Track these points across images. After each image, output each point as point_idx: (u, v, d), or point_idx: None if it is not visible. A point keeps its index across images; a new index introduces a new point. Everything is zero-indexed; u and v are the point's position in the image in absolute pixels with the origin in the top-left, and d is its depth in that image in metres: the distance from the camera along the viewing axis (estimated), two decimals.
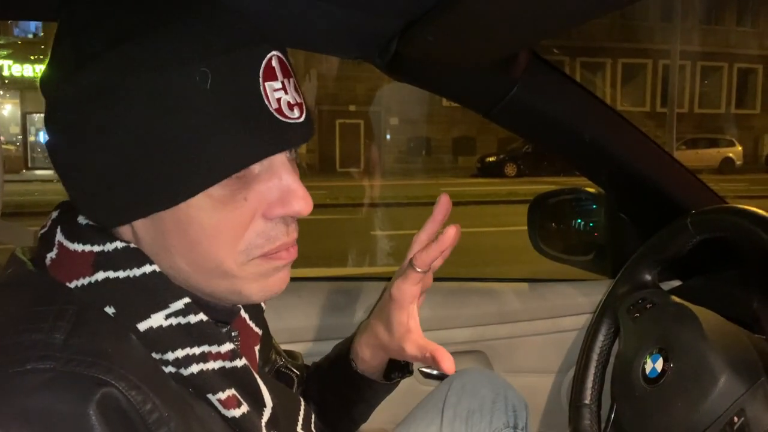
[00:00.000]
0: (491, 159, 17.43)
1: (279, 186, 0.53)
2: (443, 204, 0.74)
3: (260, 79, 0.50)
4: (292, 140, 0.53)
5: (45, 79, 0.53)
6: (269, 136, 0.51)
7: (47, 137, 0.53)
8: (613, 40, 20.80)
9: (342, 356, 0.83)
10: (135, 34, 0.48)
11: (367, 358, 0.80)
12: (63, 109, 0.51)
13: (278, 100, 0.51)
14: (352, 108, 19.28)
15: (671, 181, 1.10)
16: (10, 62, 17.02)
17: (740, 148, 19.01)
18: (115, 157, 0.49)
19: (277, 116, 0.51)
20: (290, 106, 0.52)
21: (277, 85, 0.52)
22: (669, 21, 16.92)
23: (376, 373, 0.82)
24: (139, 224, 0.53)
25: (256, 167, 0.52)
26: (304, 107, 0.54)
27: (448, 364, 0.69)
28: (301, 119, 0.53)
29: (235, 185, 0.51)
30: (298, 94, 0.54)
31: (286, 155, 0.54)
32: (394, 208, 10.44)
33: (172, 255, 0.53)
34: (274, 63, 0.52)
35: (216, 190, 0.50)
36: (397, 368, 0.83)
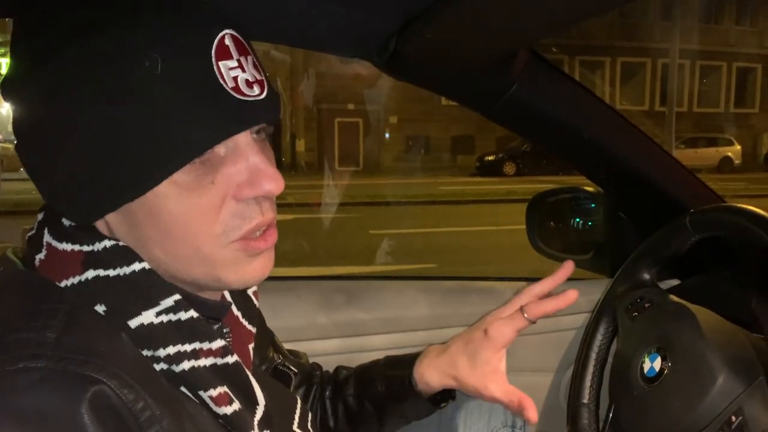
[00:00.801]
0: (490, 158, 17.42)
1: (247, 167, 0.52)
2: (567, 268, 0.80)
3: (213, 59, 0.50)
4: (253, 118, 0.52)
5: (6, 81, 0.53)
6: (227, 115, 0.50)
7: (15, 138, 0.53)
8: (612, 39, 20.80)
9: (399, 373, 0.83)
10: (85, 31, 0.48)
11: (432, 382, 0.80)
12: (24, 110, 0.51)
13: (235, 78, 0.50)
14: (350, 106, 19.27)
15: (670, 181, 1.10)
16: (8, 61, 16.97)
17: (739, 147, 19.00)
18: (77, 153, 0.49)
19: (235, 95, 0.50)
20: (249, 84, 0.51)
21: (233, 63, 0.51)
22: (668, 20, 16.94)
23: (427, 395, 0.82)
24: (112, 219, 0.53)
25: (221, 150, 0.52)
26: (265, 84, 0.53)
27: (533, 414, 0.73)
28: (262, 96, 0.52)
29: (200, 170, 0.51)
30: (258, 71, 0.53)
31: (251, 135, 0.53)
32: (393, 207, 10.44)
33: (149, 246, 0.53)
34: (227, 41, 0.51)
35: (181, 177, 0.50)
36: (445, 394, 0.83)
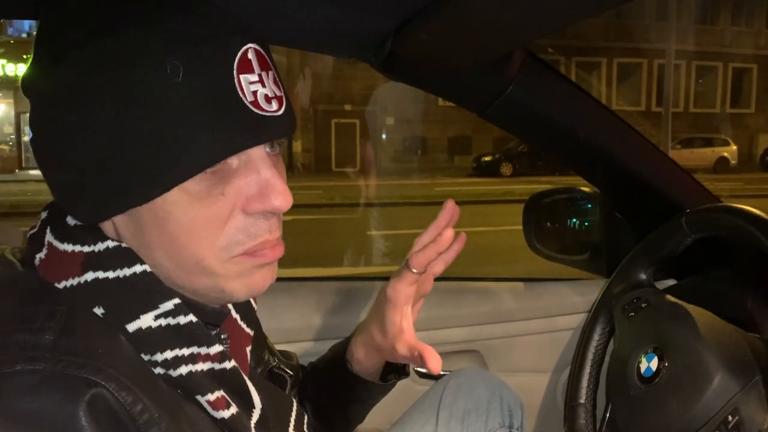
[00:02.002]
0: (487, 158, 17.43)
1: (257, 181, 0.52)
2: (448, 209, 0.74)
3: (234, 72, 0.50)
4: (269, 133, 0.52)
5: (25, 78, 0.53)
6: (244, 129, 0.50)
7: (31, 136, 0.54)
8: (608, 40, 20.85)
9: (338, 356, 0.83)
10: (107, 31, 0.48)
11: (362, 358, 0.80)
12: (40, 107, 0.52)
13: (254, 93, 0.51)
14: (347, 107, 19.27)
15: (666, 181, 1.10)
16: (4, 62, 16.92)
17: (735, 147, 19.06)
18: (89, 154, 0.49)
19: (253, 109, 0.50)
20: (268, 99, 0.52)
21: (254, 77, 0.51)
22: (664, 20, 16.97)
23: (372, 374, 0.82)
24: (119, 221, 0.53)
25: (233, 162, 0.52)
26: (283, 100, 0.54)
27: (434, 363, 0.70)
28: (280, 112, 0.52)
29: (210, 180, 0.51)
30: (278, 87, 0.54)
31: (265, 149, 0.53)
32: (389, 208, 10.44)
33: (153, 252, 0.53)
34: (250, 55, 0.51)
35: (191, 185, 0.50)
36: (394, 369, 0.83)
